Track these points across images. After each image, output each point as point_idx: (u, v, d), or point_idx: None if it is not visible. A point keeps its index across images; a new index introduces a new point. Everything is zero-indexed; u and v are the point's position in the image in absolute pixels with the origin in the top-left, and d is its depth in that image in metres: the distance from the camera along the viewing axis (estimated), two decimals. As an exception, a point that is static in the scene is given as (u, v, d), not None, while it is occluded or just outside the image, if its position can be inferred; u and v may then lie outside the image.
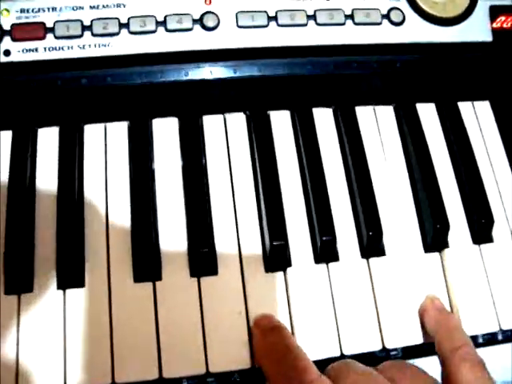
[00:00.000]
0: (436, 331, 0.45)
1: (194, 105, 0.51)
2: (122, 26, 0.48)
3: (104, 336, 0.44)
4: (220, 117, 0.52)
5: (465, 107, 0.55)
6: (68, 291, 0.46)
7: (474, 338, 0.48)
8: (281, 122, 0.53)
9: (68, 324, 0.45)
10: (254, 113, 0.52)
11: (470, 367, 0.40)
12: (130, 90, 0.49)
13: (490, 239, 0.50)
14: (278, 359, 0.41)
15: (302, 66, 0.50)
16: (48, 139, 0.50)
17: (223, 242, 0.48)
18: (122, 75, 0.48)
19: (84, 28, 0.47)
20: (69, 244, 0.46)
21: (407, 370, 0.41)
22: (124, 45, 0.48)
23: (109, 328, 0.45)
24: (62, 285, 0.46)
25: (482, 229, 0.50)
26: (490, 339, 0.49)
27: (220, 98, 0.52)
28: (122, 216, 0.48)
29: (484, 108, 0.56)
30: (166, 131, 0.51)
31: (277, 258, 0.47)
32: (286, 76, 0.50)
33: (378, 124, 0.54)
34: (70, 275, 0.46)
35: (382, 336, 0.47)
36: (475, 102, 0.56)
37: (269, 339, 0.43)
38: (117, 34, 0.48)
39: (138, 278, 0.46)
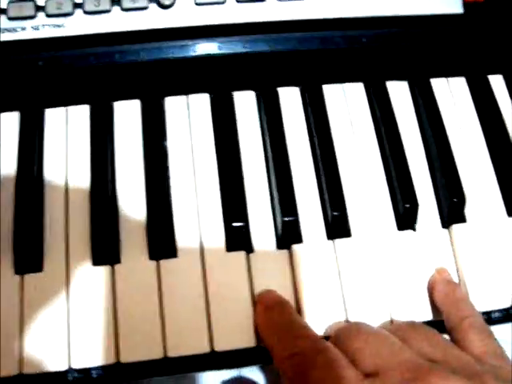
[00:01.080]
0: (443, 303, 0.44)
1: (155, 86, 0.50)
2: (76, 5, 0.47)
3: (62, 321, 0.44)
4: (183, 98, 0.51)
5: (439, 84, 0.53)
6: (26, 276, 0.45)
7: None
8: (245, 102, 0.51)
9: (26, 309, 0.44)
10: (217, 94, 0.50)
11: (477, 333, 0.40)
12: (89, 71, 0.48)
13: (462, 219, 0.48)
14: (282, 332, 0.40)
15: (263, 42, 0.49)
16: (8, 124, 0.49)
17: (183, 225, 0.47)
18: (78, 56, 0.47)
19: (37, 8, 0.47)
20: (26, 228, 0.45)
21: (420, 329, 0.40)
22: (79, 25, 0.47)
23: (67, 313, 0.44)
24: (20, 270, 0.45)
25: (453, 208, 0.48)
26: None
27: (182, 78, 0.51)
28: (81, 199, 0.47)
29: (459, 84, 0.53)
30: (128, 114, 0.50)
31: (237, 239, 0.46)
32: (247, 54, 0.49)
33: (347, 102, 0.52)
34: (28, 260, 0.45)
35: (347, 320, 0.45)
36: (450, 79, 0.53)
37: (271, 313, 0.43)
38: (71, 14, 0.47)
39: (97, 261, 0.46)
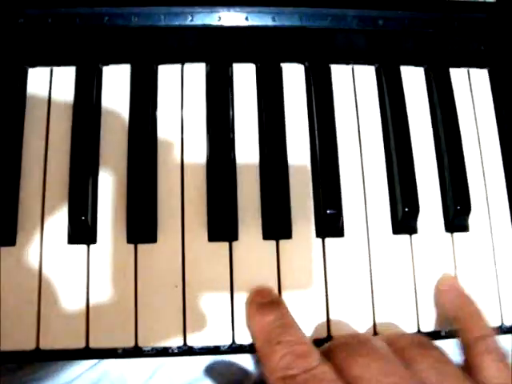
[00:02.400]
0: (457, 317, 0.42)
1: (148, 52, 0.46)
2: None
3: (32, 297, 0.42)
4: (177, 67, 0.47)
5: (458, 74, 0.49)
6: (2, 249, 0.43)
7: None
8: (244, 75, 0.47)
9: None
10: (214, 64, 0.46)
11: (494, 360, 0.38)
12: (77, 32, 0.44)
13: (465, 228, 0.45)
14: (274, 341, 0.37)
15: (267, 15, 0.44)
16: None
17: (166, 209, 0.44)
18: (65, 16, 0.43)
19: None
20: (1, 203, 0.43)
21: (430, 352, 0.37)
22: (63, -19, 0.43)
23: (37, 291, 0.42)
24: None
25: (456, 216, 0.44)
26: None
27: (177, 47, 0.46)
28: (60, 171, 0.44)
29: (480, 77, 0.48)
30: (117, 79, 0.46)
31: (221, 229, 0.43)
32: (249, 27, 0.44)
33: (355, 85, 0.48)
34: (2, 234, 0.43)
35: (328, 324, 0.43)
36: (471, 70, 0.49)
37: (264, 317, 0.39)
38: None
39: (73, 239, 0.43)
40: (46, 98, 0.46)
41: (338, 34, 0.46)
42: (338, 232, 0.44)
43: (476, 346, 0.39)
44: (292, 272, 0.44)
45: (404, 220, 0.44)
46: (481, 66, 0.49)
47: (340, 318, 0.43)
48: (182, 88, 0.47)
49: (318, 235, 0.44)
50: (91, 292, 0.42)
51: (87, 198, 0.43)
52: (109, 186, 0.44)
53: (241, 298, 0.43)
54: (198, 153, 0.45)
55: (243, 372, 0.53)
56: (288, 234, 0.44)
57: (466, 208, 0.44)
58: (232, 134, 0.46)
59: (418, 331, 0.44)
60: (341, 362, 0.35)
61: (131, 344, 0.42)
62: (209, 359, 0.52)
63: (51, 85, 0.46)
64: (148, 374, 0.51)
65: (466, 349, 0.40)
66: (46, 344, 0.42)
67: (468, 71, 0.49)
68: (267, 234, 0.44)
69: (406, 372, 0.35)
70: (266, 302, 0.41)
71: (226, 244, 0.44)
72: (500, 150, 0.47)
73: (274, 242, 0.44)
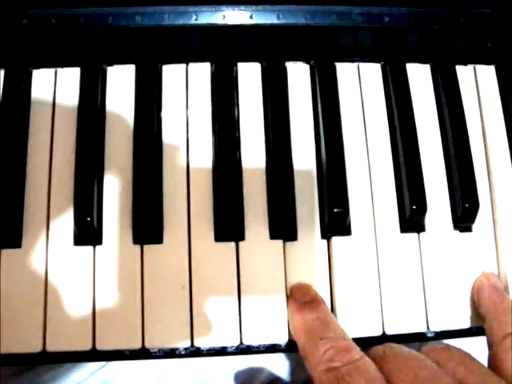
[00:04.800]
0: (488, 311, 0.42)
1: (153, 52, 0.46)
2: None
3: (38, 299, 0.42)
4: (182, 66, 0.47)
5: (465, 71, 0.48)
6: (3, 251, 0.42)
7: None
8: (249, 74, 0.47)
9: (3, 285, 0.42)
10: (219, 64, 0.46)
11: None
12: (81, 33, 0.44)
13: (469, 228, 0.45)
14: (317, 338, 0.38)
15: (271, 13, 0.44)
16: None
17: (170, 210, 0.44)
18: (69, 17, 0.43)
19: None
20: (4, 203, 0.42)
21: (455, 353, 0.38)
22: (68, -19, 0.43)
23: (43, 292, 0.42)
24: (-1, 244, 0.43)
25: (465, 214, 0.44)
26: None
27: (182, 46, 0.46)
28: (65, 172, 0.44)
29: (487, 73, 0.48)
30: (122, 80, 0.46)
31: (227, 229, 0.43)
32: (253, 25, 0.44)
33: (360, 84, 0.47)
34: (5, 235, 0.42)
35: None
36: (477, 66, 0.48)
37: (305, 315, 0.40)
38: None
39: (78, 240, 0.43)
40: (51, 99, 0.46)
41: (343, 32, 0.45)
42: (346, 230, 0.44)
43: (502, 341, 0.39)
44: (299, 272, 0.43)
45: (412, 218, 0.44)
46: (487, 63, 0.48)
47: (347, 318, 0.43)
48: (186, 88, 0.46)
49: (323, 235, 0.44)
50: (97, 293, 0.42)
51: (93, 198, 0.42)
52: (114, 187, 0.44)
53: (248, 298, 0.42)
54: (203, 153, 0.45)
55: (251, 373, 0.53)
56: (294, 234, 0.44)
57: (474, 206, 0.44)
58: (238, 134, 0.46)
59: (427, 329, 0.43)
60: (378, 361, 0.36)
61: (138, 346, 0.42)
62: (215, 361, 0.52)
63: (56, 86, 0.46)
64: (155, 377, 0.51)
65: (492, 345, 0.39)
66: (53, 346, 0.41)
67: (474, 68, 0.48)
68: (274, 234, 0.44)
69: (438, 367, 0.36)
70: (307, 300, 0.42)
71: (233, 244, 0.43)
72: (508, 147, 0.46)
73: (280, 242, 0.44)
